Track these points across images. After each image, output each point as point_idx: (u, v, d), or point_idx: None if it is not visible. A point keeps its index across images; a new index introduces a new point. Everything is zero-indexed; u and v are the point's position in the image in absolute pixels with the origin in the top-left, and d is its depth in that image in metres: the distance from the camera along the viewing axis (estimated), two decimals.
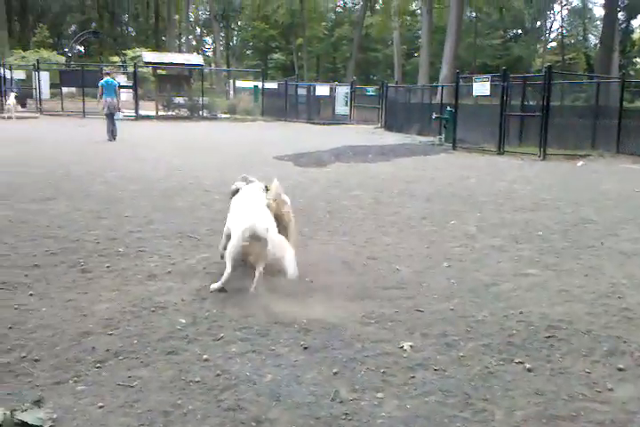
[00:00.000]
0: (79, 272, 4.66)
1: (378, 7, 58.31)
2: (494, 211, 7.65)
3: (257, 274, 4.19)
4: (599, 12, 54.21)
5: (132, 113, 26.41)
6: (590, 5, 57.34)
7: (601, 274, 4.97)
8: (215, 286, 4.26)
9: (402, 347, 3.41)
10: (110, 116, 16.26)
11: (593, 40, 56.22)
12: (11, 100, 23.24)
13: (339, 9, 66.03)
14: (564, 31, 58.28)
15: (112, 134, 16.07)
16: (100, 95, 16.66)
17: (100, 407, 2.70)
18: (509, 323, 3.83)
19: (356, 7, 62.86)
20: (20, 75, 30.09)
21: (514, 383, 3.03)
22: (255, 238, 4.10)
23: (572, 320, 3.89)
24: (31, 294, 4.11)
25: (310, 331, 3.61)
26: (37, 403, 2.71)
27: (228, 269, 4.21)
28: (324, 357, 3.28)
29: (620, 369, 3.21)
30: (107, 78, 16.87)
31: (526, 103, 16.75)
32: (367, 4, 55.69)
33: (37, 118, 24.93)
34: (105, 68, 27.73)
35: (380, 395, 2.88)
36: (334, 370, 3.12)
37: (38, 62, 29.03)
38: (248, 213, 4.32)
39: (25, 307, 3.88)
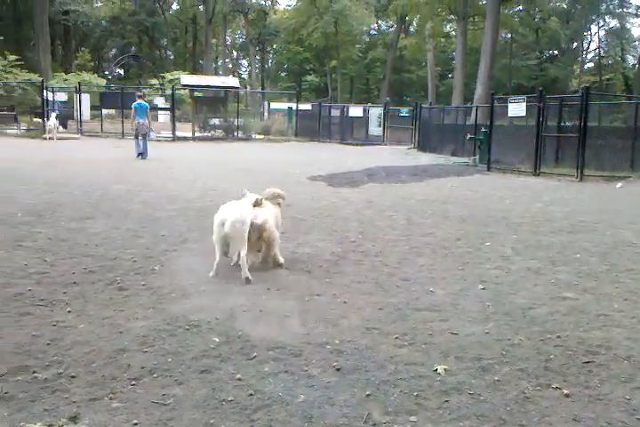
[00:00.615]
0: (116, 290, 4.74)
1: (412, 29, 58.70)
2: (530, 232, 7.54)
3: (242, 261, 4.95)
4: (637, 32, 53.76)
5: (170, 134, 26.90)
6: (628, 26, 56.92)
7: None
8: (211, 273, 5.06)
9: (436, 370, 3.37)
10: (141, 137, 16.73)
11: (631, 60, 55.66)
12: (52, 120, 23.55)
13: (373, 32, 66.65)
14: (602, 52, 57.75)
15: (141, 153, 16.52)
16: (132, 116, 17.26)
17: (135, 425, 2.72)
18: (546, 347, 3.76)
19: (390, 30, 63.46)
20: (62, 97, 30.95)
21: (551, 409, 2.97)
22: (228, 227, 4.83)
23: (610, 345, 3.80)
24: (69, 311, 4.19)
25: (343, 352, 3.60)
26: (73, 419, 2.76)
27: (217, 258, 5.01)
28: (357, 378, 3.26)
29: None
30: (139, 101, 17.35)
31: (563, 124, 16.55)
32: (401, 27, 56.14)
33: (78, 139, 25.52)
34: (143, 90, 28.37)
35: (413, 418, 2.84)
36: (367, 392, 3.09)
37: (80, 85, 29.85)
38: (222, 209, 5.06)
39: (63, 324, 3.96)
